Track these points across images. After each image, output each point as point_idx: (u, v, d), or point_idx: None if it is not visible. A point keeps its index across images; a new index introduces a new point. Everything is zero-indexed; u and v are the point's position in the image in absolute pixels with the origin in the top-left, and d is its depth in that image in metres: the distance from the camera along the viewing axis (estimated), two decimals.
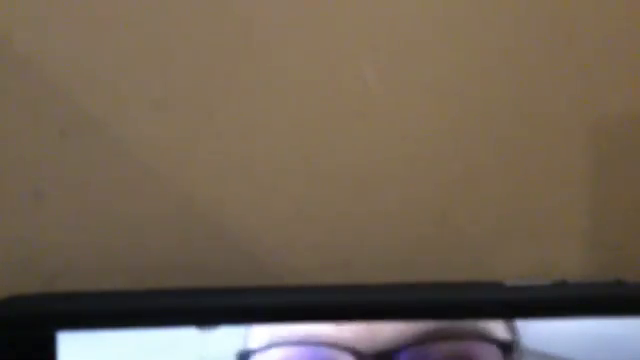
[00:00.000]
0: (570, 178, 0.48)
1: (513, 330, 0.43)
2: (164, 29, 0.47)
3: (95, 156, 0.47)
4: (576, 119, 0.48)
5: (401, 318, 0.43)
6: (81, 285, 0.45)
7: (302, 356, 0.43)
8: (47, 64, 0.47)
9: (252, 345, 0.43)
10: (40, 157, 0.47)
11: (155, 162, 0.47)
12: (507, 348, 0.43)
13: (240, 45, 0.47)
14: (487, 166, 0.48)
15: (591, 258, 0.48)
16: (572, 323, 0.43)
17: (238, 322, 0.43)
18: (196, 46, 0.47)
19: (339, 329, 0.43)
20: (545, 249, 0.48)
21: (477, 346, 0.43)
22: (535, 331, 0.44)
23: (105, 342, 0.43)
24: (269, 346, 0.43)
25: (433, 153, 0.48)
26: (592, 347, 0.44)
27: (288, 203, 0.48)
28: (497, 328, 0.43)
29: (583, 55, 0.48)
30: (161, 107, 0.47)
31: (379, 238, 0.48)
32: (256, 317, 0.43)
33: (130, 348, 0.43)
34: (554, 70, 0.48)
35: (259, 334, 0.43)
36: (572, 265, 0.48)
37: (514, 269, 0.48)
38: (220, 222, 0.47)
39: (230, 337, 0.43)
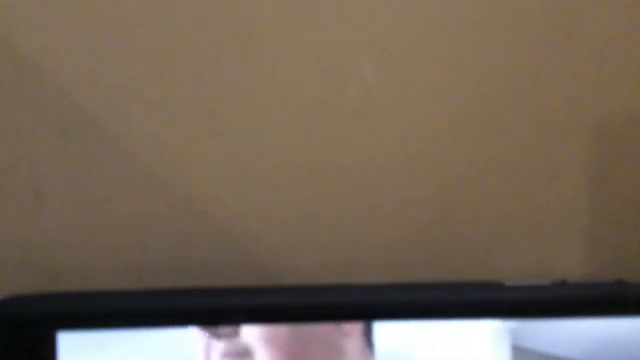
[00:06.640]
0: (570, 178, 0.48)
1: None
2: (165, 29, 0.47)
3: (96, 156, 0.47)
4: (576, 119, 0.48)
5: (401, 318, 0.43)
6: (81, 285, 0.46)
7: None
8: (48, 64, 0.47)
9: None
10: (41, 157, 0.47)
11: (155, 162, 0.47)
12: None
13: (240, 45, 0.47)
14: (487, 166, 0.48)
15: (591, 258, 0.48)
16: (572, 323, 0.43)
17: (238, 322, 0.43)
18: (196, 46, 0.47)
19: None
20: (545, 249, 0.48)
21: None
22: (535, 331, 0.44)
23: (105, 342, 0.43)
24: None
25: (434, 153, 0.48)
26: (592, 347, 0.44)
27: (288, 203, 0.48)
28: None
29: (583, 55, 0.48)
30: (161, 107, 0.47)
31: (379, 238, 0.48)
32: (256, 317, 0.43)
33: (130, 348, 0.43)
34: (554, 70, 0.48)
35: None
36: (572, 265, 0.48)
37: (514, 269, 0.48)
38: (220, 222, 0.47)
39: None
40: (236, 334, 0.43)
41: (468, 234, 0.48)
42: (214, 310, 0.43)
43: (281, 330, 0.43)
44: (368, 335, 0.44)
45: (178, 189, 0.47)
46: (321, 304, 0.43)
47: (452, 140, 0.48)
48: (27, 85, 0.47)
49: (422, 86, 0.47)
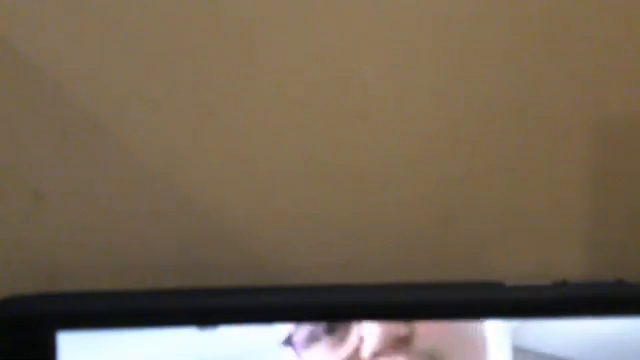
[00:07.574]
0: (570, 178, 0.48)
1: None
2: (165, 30, 0.47)
3: (96, 156, 0.47)
4: (576, 119, 0.48)
5: (401, 318, 0.43)
6: (81, 285, 0.46)
7: None
8: (49, 65, 0.47)
9: None
10: (41, 157, 0.47)
11: (155, 162, 0.47)
12: None
13: (240, 45, 0.47)
14: (487, 166, 0.48)
15: (591, 258, 0.48)
16: (572, 323, 0.43)
17: (238, 322, 0.43)
18: (196, 46, 0.47)
19: None
20: (545, 249, 0.48)
21: None
22: (535, 331, 0.44)
23: (105, 342, 0.43)
24: None
25: (433, 153, 0.48)
26: (592, 347, 0.44)
27: (289, 203, 0.48)
28: None
29: (583, 55, 0.48)
30: (161, 107, 0.47)
31: (379, 238, 0.48)
32: (256, 317, 0.43)
33: (130, 348, 0.43)
34: (554, 70, 0.48)
35: None
36: (572, 265, 0.48)
37: (514, 269, 0.48)
38: (220, 222, 0.47)
39: (230, 337, 0.43)
40: None
41: (468, 234, 0.48)
42: (214, 310, 0.43)
43: None
44: None
45: (178, 189, 0.47)
46: (321, 304, 0.43)
47: (452, 140, 0.48)
48: (27, 85, 0.47)
49: (422, 86, 0.47)
